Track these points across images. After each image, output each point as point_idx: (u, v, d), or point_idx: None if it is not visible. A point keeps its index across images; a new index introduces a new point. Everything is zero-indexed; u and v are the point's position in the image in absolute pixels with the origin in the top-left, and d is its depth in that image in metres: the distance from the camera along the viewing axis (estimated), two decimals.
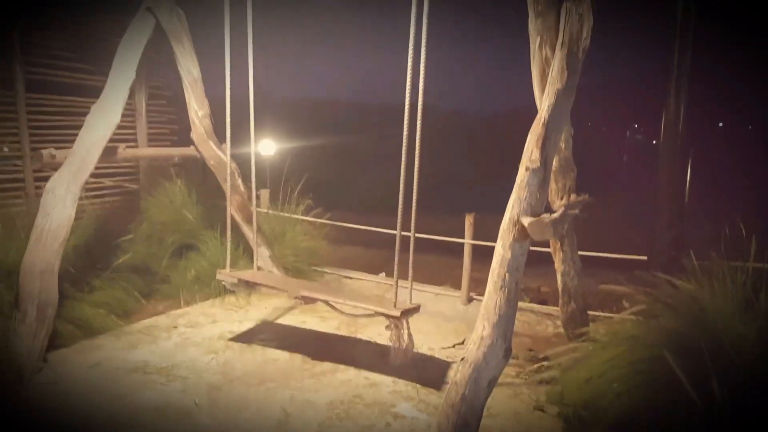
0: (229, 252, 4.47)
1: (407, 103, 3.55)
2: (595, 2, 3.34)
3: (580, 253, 3.98)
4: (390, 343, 3.60)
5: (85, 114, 4.47)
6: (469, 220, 5.25)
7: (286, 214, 6.09)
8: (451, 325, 4.88)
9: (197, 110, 5.05)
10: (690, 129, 4.18)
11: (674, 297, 3.39)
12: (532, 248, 3.08)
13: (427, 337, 4.54)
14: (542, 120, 3.17)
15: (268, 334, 4.55)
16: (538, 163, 3.09)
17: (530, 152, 3.13)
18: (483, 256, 5.02)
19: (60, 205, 4.02)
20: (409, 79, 3.53)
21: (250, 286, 4.24)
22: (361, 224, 6.21)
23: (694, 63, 4.05)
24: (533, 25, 3.39)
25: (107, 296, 4.62)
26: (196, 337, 4.45)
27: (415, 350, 3.90)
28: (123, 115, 4.65)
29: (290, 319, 4.95)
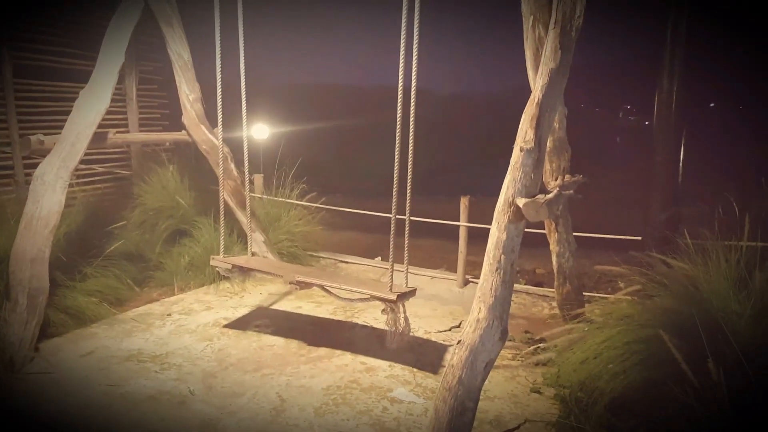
0: (222, 238, 4.44)
1: (400, 86, 3.52)
2: None
3: (574, 234, 3.98)
4: (386, 328, 3.60)
5: (74, 99, 4.40)
6: (464, 203, 5.23)
7: (281, 199, 6.05)
8: (448, 308, 4.89)
9: (188, 94, 4.99)
10: (682, 109, 4.16)
11: (669, 276, 3.40)
12: (526, 230, 3.07)
13: (424, 321, 4.55)
14: (536, 100, 3.14)
15: (263, 320, 4.54)
16: (533, 144, 3.06)
17: (524, 132, 3.10)
18: (479, 238, 5.02)
19: (50, 192, 3.97)
20: (402, 63, 3.49)
21: (244, 272, 4.22)
22: (356, 208, 6.18)
23: (687, 42, 4.02)
24: (526, 5, 3.35)
25: (100, 284, 4.59)
26: (191, 324, 4.43)
27: (411, 334, 3.91)
28: (113, 100, 4.58)
29: (286, 305, 4.94)
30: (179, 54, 4.92)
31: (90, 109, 4.36)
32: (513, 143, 3.08)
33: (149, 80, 7.09)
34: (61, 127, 4.30)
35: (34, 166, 4.31)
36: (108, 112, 4.54)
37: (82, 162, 4.40)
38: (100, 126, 4.40)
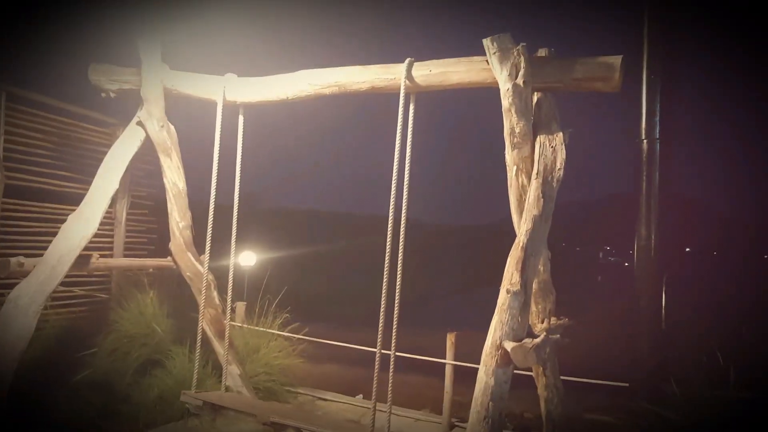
0: (196, 370, 4.24)
1: (391, 217, 3.64)
2: (567, 135, 3.58)
3: (562, 378, 3.88)
4: None
5: (62, 221, 4.43)
6: (450, 340, 5.13)
7: (262, 329, 5.88)
8: None
9: (179, 221, 5.05)
10: (662, 256, 4.30)
11: (659, 428, 3.28)
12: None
13: None
14: (521, 244, 3.24)
15: None
16: (519, 286, 3.10)
17: (510, 275, 3.16)
18: (465, 376, 4.86)
19: (21, 317, 3.85)
20: (393, 196, 3.65)
21: (216, 409, 3.98)
22: (340, 338, 6.02)
23: (662, 190, 4.27)
24: (510, 156, 3.57)
25: (62, 417, 4.27)
26: None
27: None
28: (101, 224, 4.62)
29: None
30: (174, 183, 5.07)
31: (76, 232, 4.38)
32: (497, 272, 3.12)
33: (140, 205, 7.21)
34: (44, 249, 4.28)
35: (10, 286, 4.21)
36: (94, 235, 4.54)
37: (60, 284, 4.31)
38: (84, 249, 4.39)
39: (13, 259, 4.37)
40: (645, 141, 3.93)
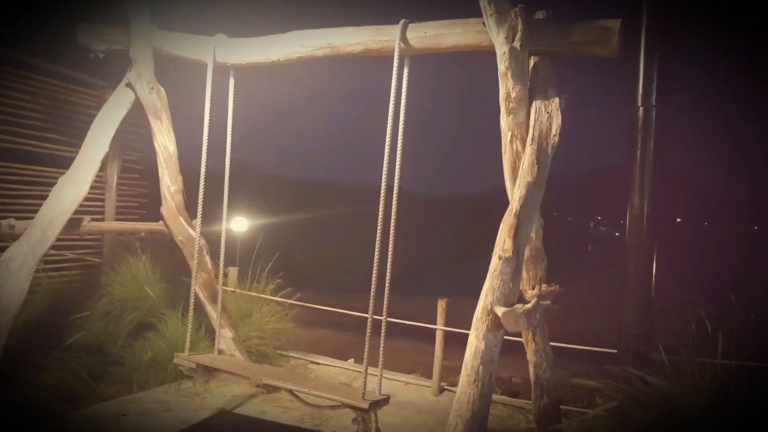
0: (189, 333, 4.26)
1: (383, 185, 3.62)
2: (564, 101, 3.54)
3: (551, 343, 3.94)
4: None
5: (52, 184, 4.38)
6: (441, 306, 5.18)
7: (254, 294, 5.91)
8: (421, 417, 4.67)
9: (170, 185, 5.00)
10: (653, 225, 4.31)
11: (646, 394, 3.35)
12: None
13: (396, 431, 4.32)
14: (514, 210, 3.24)
15: (224, 426, 4.26)
16: (511, 252, 3.11)
17: (503, 241, 3.17)
18: (455, 342, 4.93)
19: (14, 279, 3.82)
20: (386, 162, 3.61)
21: (209, 371, 4.02)
22: (331, 304, 6.06)
23: (656, 159, 4.24)
24: (505, 122, 3.53)
25: (53, 378, 4.29)
26: (147, 426, 4.13)
27: None
28: (92, 188, 4.57)
29: (250, 409, 4.66)
30: (165, 146, 5.00)
31: (67, 195, 4.34)
32: (489, 245, 3.13)
33: (131, 169, 7.13)
34: (35, 212, 4.24)
35: (1, 249, 4.19)
36: (85, 199, 4.51)
37: (52, 247, 4.29)
38: (76, 212, 4.36)
39: (3, 222, 4.33)
40: (641, 108, 3.88)
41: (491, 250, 3.16)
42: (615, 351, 4.51)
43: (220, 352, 4.63)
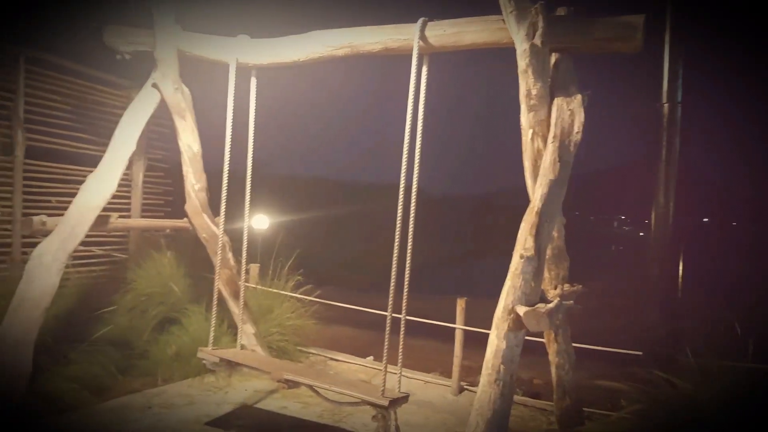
0: (212, 328, 4.33)
1: (402, 185, 3.62)
2: (586, 98, 3.50)
3: (573, 344, 3.90)
4: None
5: (81, 182, 4.48)
6: (460, 305, 5.16)
7: (275, 290, 5.98)
8: (441, 416, 4.67)
9: (194, 183, 5.08)
10: (679, 224, 4.24)
11: (672, 397, 3.29)
12: None
13: (415, 430, 4.32)
14: (535, 209, 3.21)
15: (246, 421, 4.31)
16: (533, 251, 3.09)
17: (524, 240, 3.14)
18: (475, 341, 4.91)
19: (45, 273, 3.93)
20: (404, 160, 3.62)
21: (231, 366, 4.08)
22: (350, 302, 6.09)
23: (681, 158, 4.18)
24: (525, 119, 3.50)
25: (82, 370, 4.41)
26: (171, 419, 4.21)
27: None
28: (119, 185, 4.67)
29: (271, 404, 4.71)
30: (189, 145, 5.08)
31: (95, 193, 4.44)
32: (501, 244, 3.11)
33: (156, 167, 7.27)
34: (66, 209, 4.35)
35: (33, 245, 4.31)
36: (112, 196, 4.61)
37: (80, 244, 4.40)
38: (103, 209, 4.46)
39: (36, 218, 4.46)
40: (666, 105, 3.82)
41: (507, 249, 3.15)
42: (639, 353, 4.45)
43: (242, 347, 4.70)
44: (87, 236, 4.41)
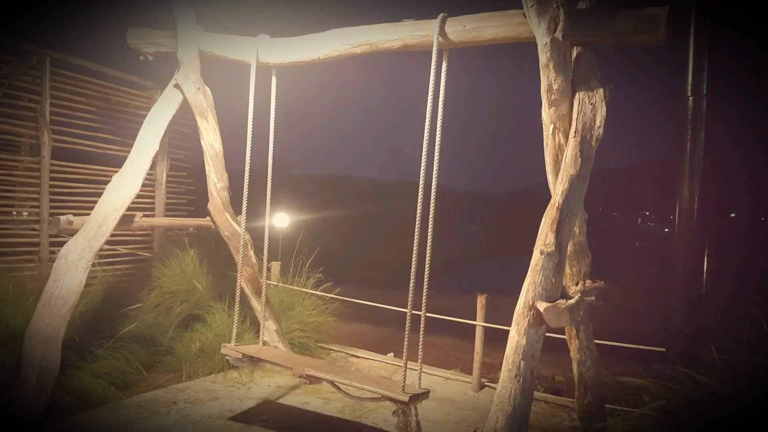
0: (235, 325, 4.39)
1: (421, 182, 3.62)
2: (608, 92, 3.46)
3: (595, 341, 3.86)
4: (397, 431, 3.43)
5: (106, 182, 4.57)
6: (481, 302, 5.15)
7: (296, 288, 6.03)
8: (461, 413, 4.67)
9: (216, 182, 5.15)
10: (704, 219, 4.17)
11: (696, 394, 3.23)
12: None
13: (436, 426, 4.33)
14: (556, 204, 3.19)
15: (269, 416, 4.36)
16: (553, 247, 3.07)
17: (545, 235, 3.12)
18: (495, 339, 4.90)
19: (72, 272, 4.02)
20: (424, 157, 3.62)
21: (254, 362, 4.13)
22: (369, 299, 6.11)
23: (706, 152, 4.09)
24: (546, 114, 3.47)
25: (109, 366, 4.52)
26: (195, 414, 4.28)
27: None
28: (143, 185, 4.75)
29: (293, 399, 4.76)
30: (211, 144, 5.15)
31: (120, 192, 4.52)
32: (524, 242, 3.09)
33: (179, 167, 7.38)
34: (91, 208, 4.45)
35: (60, 244, 4.41)
36: (137, 196, 4.70)
37: (106, 243, 4.50)
38: (128, 209, 4.55)
39: (62, 217, 4.56)
40: (691, 98, 3.75)
41: (527, 248, 3.13)
42: (663, 349, 4.39)
43: (264, 343, 4.75)
44: (112, 235, 4.50)
